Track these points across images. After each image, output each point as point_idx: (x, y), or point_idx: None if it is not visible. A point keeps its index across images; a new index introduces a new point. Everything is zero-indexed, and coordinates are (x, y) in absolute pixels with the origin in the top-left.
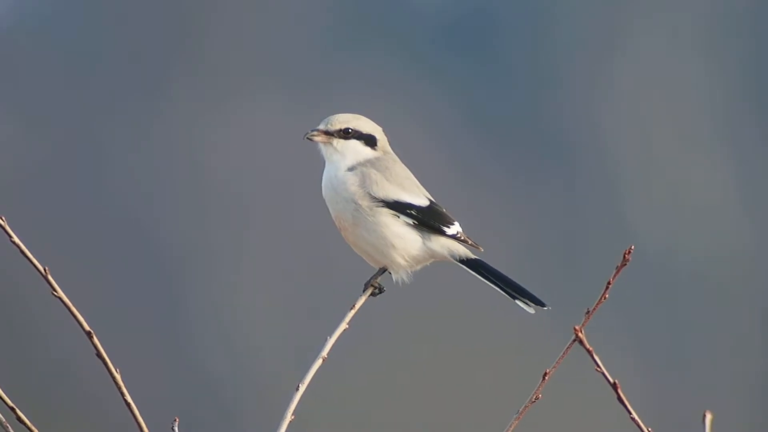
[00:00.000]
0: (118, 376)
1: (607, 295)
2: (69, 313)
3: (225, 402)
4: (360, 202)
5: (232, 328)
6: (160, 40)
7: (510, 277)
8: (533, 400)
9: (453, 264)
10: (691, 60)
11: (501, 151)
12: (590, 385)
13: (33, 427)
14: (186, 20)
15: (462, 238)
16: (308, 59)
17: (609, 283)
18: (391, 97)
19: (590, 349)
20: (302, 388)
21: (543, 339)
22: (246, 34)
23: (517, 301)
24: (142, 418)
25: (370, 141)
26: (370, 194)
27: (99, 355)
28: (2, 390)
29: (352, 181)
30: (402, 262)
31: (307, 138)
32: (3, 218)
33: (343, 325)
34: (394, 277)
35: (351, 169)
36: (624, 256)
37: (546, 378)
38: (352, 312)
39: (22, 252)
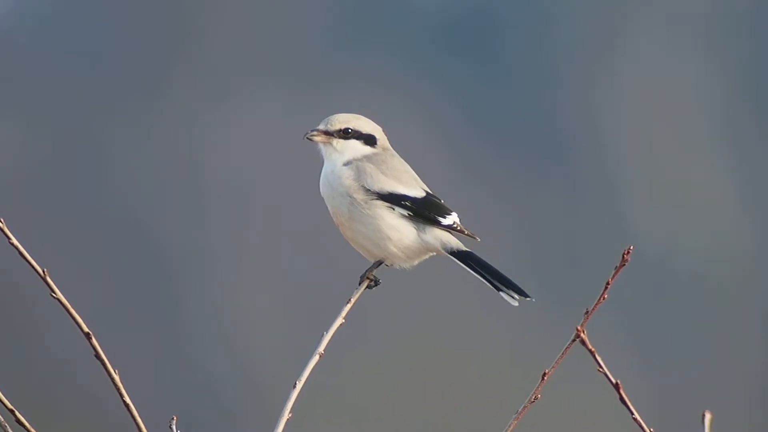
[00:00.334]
0: (116, 377)
1: (606, 295)
2: (68, 314)
3: (225, 402)
4: (355, 195)
5: (232, 328)
6: (160, 40)
7: (499, 270)
8: (532, 400)
9: (444, 255)
10: (691, 60)
11: (501, 151)
12: (589, 385)
13: (32, 429)
14: (186, 20)
15: (458, 228)
16: (308, 59)
17: (608, 283)
18: (391, 97)
19: (592, 349)
20: (299, 385)
21: (542, 338)
22: (246, 34)
23: (502, 293)
24: (142, 418)
25: (369, 141)
26: (365, 187)
27: (98, 356)
28: (1, 392)
29: (347, 175)
30: (398, 253)
31: (307, 138)
32: (2, 219)
33: (340, 320)
34: (395, 266)
35: (347, 164)
36: (623, 256)
37: (545, 378)
38: (348, 306)
39: (21, 254)
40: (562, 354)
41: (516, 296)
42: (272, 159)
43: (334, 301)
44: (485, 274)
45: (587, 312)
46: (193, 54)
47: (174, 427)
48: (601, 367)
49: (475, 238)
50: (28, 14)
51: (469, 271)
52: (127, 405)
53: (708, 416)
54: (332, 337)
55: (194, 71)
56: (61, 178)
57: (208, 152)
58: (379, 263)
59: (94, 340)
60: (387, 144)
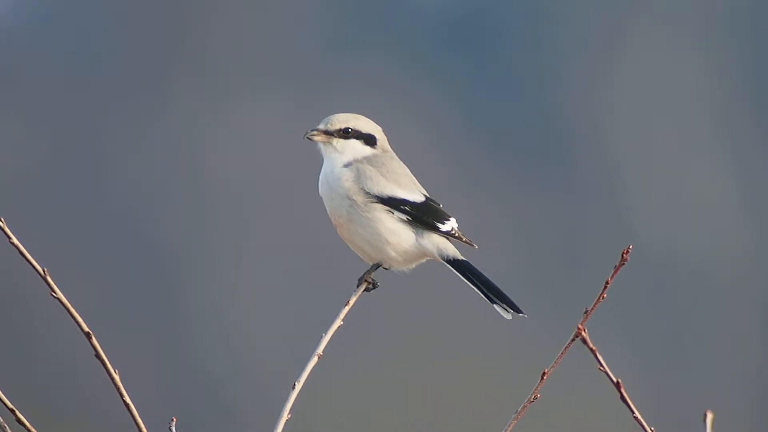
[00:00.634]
0: (116, 377)
1: (605, 295)
2: (68, 313)
3: (224, 402)
4: (354, 197)
5: (232, 328)
6: (160, 40)
7: (494, 282)
8: (532, 399)
9: (440, 262)
10: (690, 60)
11: (500, 151)
12: (590, 385)
13: (32, 429)
14: (186, 20)
15: (456, 234)
16: (308, 59)
17: (607, 282)
18: (391, 97)
19: (593, 348)
20: (298, 386)
21: (542, 338)
22: (246, 34)
23: (495, 306)
24: (142, 418)
25: (369, 140)
26: (365, 190)
27: (98, 355)
28: (1, 391)
29: (346, 177)
30: (396, 257)
31: (307, 138)
32: (2, 219)
33: (338, 322)
34: (394, 269)
35: (347, 165)
36: (622, 256)
37: (545, 377)
38: (347, 308)
39: (21, 253)
40: (562, 353)
41: (510, 310)
42: (272, 159)
43: (333, 302)
44: (480, 286)
45: (587, 311)
46: (193, 54)
47: (174, 428)
48: (601, 365)
49: (473, 245)
50: (28, 14)
51: (464, 281)
52: (127, 405)
53: (710, 416)
54: (331, 338)
55: (194, 71)
56: (61, 178)
57: (208, 152)
58: (377, 266)
59: (94, 340)
60: (387, 145)
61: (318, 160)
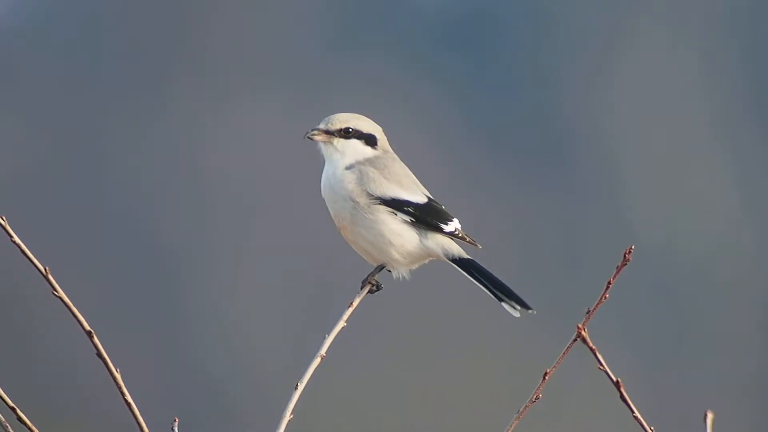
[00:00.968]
0: (118, 376)
1: (607, 295)
2: (69, 312)
3: (225, 402)
4: (358, 200)
5: (232, 328)
6: (160, 40)
7: (500, 279)
8: (534, 399)
9: (445, 262)
10: (691, 60)
11: (500, 151)
12: (590, 385)
13: (33, 427)
14: (186, 20)
15: (460, 235)
16: (308, 59)
17: (609, 282)
18: (390, 97)
19: (593, 347)
20: (301, 387)
21: (544, 338)
22: (246, 34)
23: (503, 304)
24: (143, 417)
25: (370, 140)
26: (368, 192)
27: (99, 354)
28: (3, 390)
29: (349, 180)
30: (400, 259)
31: (308, 137)
32: (3, 218)
33: (341, 323)
34: (394, 274)
35: (349, 167)
36: (624, 256)
37: (546, 377)
38: (350, 310)
39: (23, 252)
40: (564, 353)
41: (518, 307)
42: (272, 159)
43: (334, 301)
44: (487, 284)
45: (588, 311)
46: (194, 54)
47: (176, 429)
48: (602, 365)
49: (476, 245)
50: (28, 14)
51: (471, 280)
52: (128, 404)
53: (710, 416)
54: (334, 339)
55: (194, 71)
56: (61, 178)
57: (208, 152)
58: (381, 268)
59: (95, 339)
60: (387, 145)
61: (318, 160)
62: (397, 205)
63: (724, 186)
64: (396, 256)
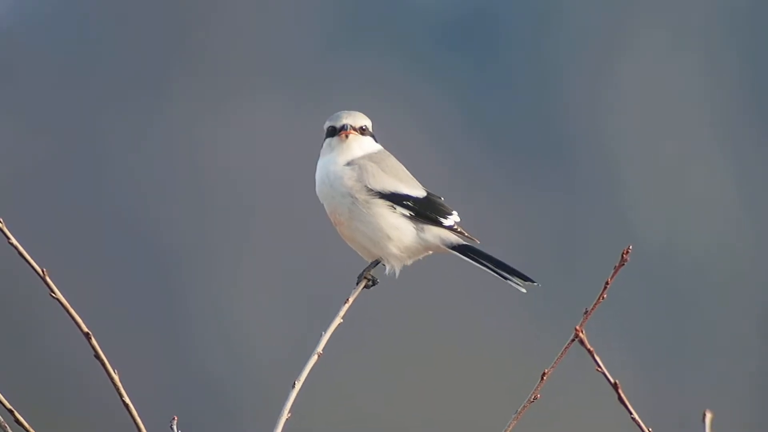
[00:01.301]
0: (116, 377)
1: (605, 295)
2: (67, 314)
3: (224, 402)
4: (357, 195)
5: (232, 328)
6: (160, 40)
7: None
8: (532, 399)
9: (445, 252)
10: (691, 60)
11: (500, 151)
12: (589, 385)
13: (31, 429)
14: (186, 20)
15: (459, 230)
16: (308, 59)
17: (607, 282)
18: (390, 97)
19: (591, 349)
20: (298, 385)
21: (542, 338)
22: (246, 34)
23: (509, 282)
24: (141, 418)
25: (374, 137)
26: (367, 187)
27: (97, 356)
28: (0, 391)
29: (349, 176)
30: (398, 253)
31: (345, 135)
32: (1, 220)
33: (338, 320)
34: (387, 268)
35: (348, 164)
36: (622, 256)
37: (545, 378)
38: (346, 306)
39: (20, 254)
40: (562, 354)
41: (522, 283)
42: (272, 159)
43: (334, 301)
44: (489, 265)
45: (587, 312)
46: (193, 54)
47: (174, 427)
48: (599, 367)
49: (474, 240)
50: (28, 14)
51: (473, 264)
52: (126, 405)
53: (709, 416)
54: (331, 336)
55: (194, 71)
56: (61, 178)
57: (208, 152)
58: (376, 263)
59: (93, 340)
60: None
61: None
62: (396, 199)
63: (724, 186)
64: (394, 250)
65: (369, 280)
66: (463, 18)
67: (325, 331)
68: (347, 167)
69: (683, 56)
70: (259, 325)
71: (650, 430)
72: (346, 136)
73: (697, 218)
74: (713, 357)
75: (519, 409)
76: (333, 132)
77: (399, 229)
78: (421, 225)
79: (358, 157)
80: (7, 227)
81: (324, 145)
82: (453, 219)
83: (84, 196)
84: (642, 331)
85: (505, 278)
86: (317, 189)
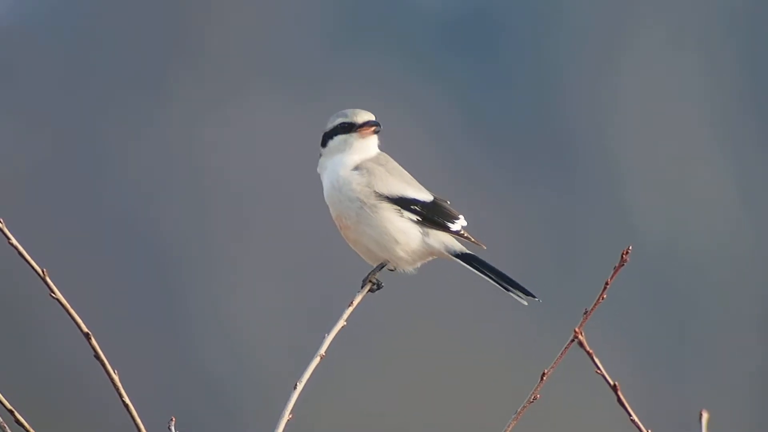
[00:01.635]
0: (116, 377)
1: (605, 296)
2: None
3: (225, 402)
4: (365, 200)
5: (232, 329)
6: (160, 40)
7: (502, 271)
8: (531, 400)
9: (448, 259)
10: (691, 59)
11: (500, 151)
12: (588, 386)
13: (31, 430)
14: (186, 20)
15: (465, 235)
16: (308, 59)
17: (607, 283)
18: (390, 97)
19: (590, 351)
20: (300, 386)
21: (541, 339)
22: (246, 34)
23: (511, 293)
24: (142, 418)
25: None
26: (375, 191)
27: (97, 356)
28: (1, 392)
29: (357, 181)
30: (405, 257)
31: (375, 131)
32: (1, 220)
33: (341, 322)
34: (397, 269)
35: (356, 168)
36: (622, 257)
37: (544, 378)
38: (350, 309)
39: (20, 254)
40: (561, 354)
41: (523, 296)
42: (272, 158)
43: (334, 301)
44: (492, 276)
45: (586, 312)
46: (193, 54)
47: (173, 427)
48: (599, 368)
49: (481, 245)
50: (28, 14)
51: (476, 273)
52: (126, 405)
53: (705, 415)
54: (333, 338)
55: (194, 71)
56: (61, 178)
57: (207, 152)
58: (381, 266)
59: (93, 341)
60: None
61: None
62: (403, 203)
63: (724, 186)
64: (401, 254)
65: (374, 283)
66: (463, 18)
67: (328, 333)
68: (355, 172)
69: (683, 56)
70: (259, 326)
71: (649, 431)
72: (375, 132)
73: (698, 218)
74: (713, 357)
75: (519, 410)
76: (349, 128)
77: (406, 234)
78: (426, 230)
79: (365, 160)
80: (7, 227)
81: (332, 143)
82: (460, 224)
83: (84, 196)
84: (642, 332)
85: (507, 290)
86: (325, 193)
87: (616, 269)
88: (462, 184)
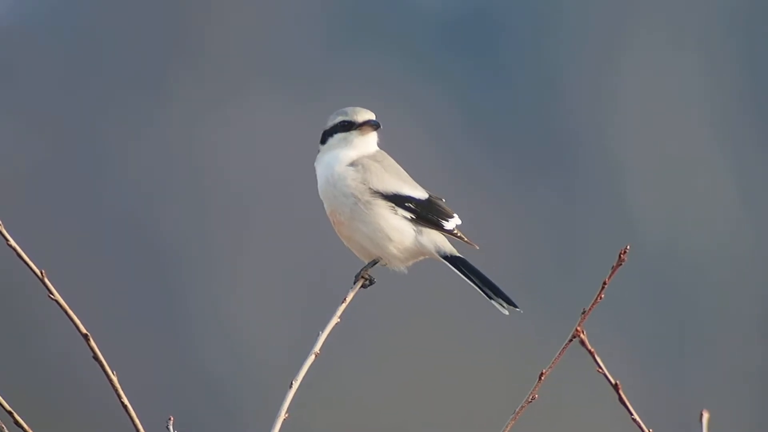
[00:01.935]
0: (115, 379)
1: (603, 295)
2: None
3: (223, 401)
4: (360, 196)
5: (232, 328)
6: (160, 40)
7: (489, 278)
8: (530, 400)
9: (437, 260)
10: (691, 60)
11: (500, 151)
12: (588, 386)
13: (30, 431)
14: (186, 20)
15: (458, 234)
16: (308, 59)
17: (605, 283)
18: (390, 97)
19: (592, 350)
20: (295, 384)
21: (540, 339)
22: (246, 34)
23: (493, 302)
24: (141, 418)
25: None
26: (370, 188)
27: (96, 357)
28: (0, 393)
29: (352, 176)
30: (398, 254)
31: (375, 127)
32: (0, 222)
33: (335, 319)
34: (390, 268)
35: (352, 164)
36: (620, 256)
37: (542, 378)
38: (344, 305)
39: (19, 255)
40: (560, 354)
41: (506, 305)
42: (272, 158)
43: (333, 301)
44: (477, 282)
45: (584, 312)
46: (193, 54)
47: (171, 427)
48: (600, 368)
49: (473, 245)
50: (28, 14)
51: (461, 278)
52: (125, 406)
53: (706, 415)
54: (328, 336)
55: (194, 71)
56: (61, 178)
57: (207, 152)
58: (374, 262)
59: (92, 342)
60: None
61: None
62: (398, 200)
63: (724, 186)
64: (394, 251)
65: (366, 279)
66: (463, 18)
67: (322, 331)
68: (350, 168)
69: (683, 56)
70: (258, 325)
71: (650, 431)
72: (374, 129)
73: (698, 218)
74: (713, 357)
75: (517, 410)
76: (349, 127)
77: (400, 231)
78: (420, 228)
79: (361, 157)
80: (7, 227)
81: (332, 140)
82: (454, 222)
83: (84, 196)
84: (642, 332)
85: (490, 298)
86: (320, 188)
87: (614, 269)
88: (462, 184)
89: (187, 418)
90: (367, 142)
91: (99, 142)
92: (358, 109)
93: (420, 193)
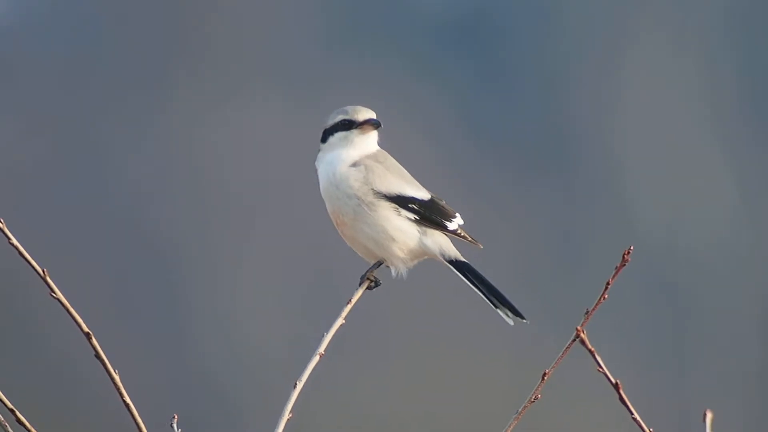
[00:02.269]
0: (116, 377)
1: (606, 296)
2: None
3: (225, 401)
4: (363, 198)
5: (232, 328)
6: (160, 40)
7: (495, 285)
8: (532, 400)
9: (442, 263)
10: (692, 61)
11: (500, 151)
12: (589, 385)
13: (32, 429)
14: (186, 20)
15: (462, 234)
16: (308, 59)
17: (608, 283)
18: (390, 98)
19: (592, 349)
20: (300, 385)
21: (543, 338)
22: (246, 35)
23: (498, 311)
24: (142, 417)
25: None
26: (373, 189)
27: (98, 356)
28: (2, 391)
29: (355, 177)
30: (401, 255)
31: (375, 126)
32: (2, 220)
33: (340, 320)
34: (393, 272)
35: (354, 165)
36: (623, 257)
37: (545, 378)
38: (349, 306)
39: (21, 254)
40: (563, 354)
41: (511, 315)
42: (272, 158)
43: (334, 301)
44: (482, 289)
45: (588, 312)
46: (193, 54)
47: (175, 426)
48: (601, 367)
49: (477, 244)
50: (28, 14)
51: (467, 284)
52: (127, 405)
53: (709, 415)
54: (333, 337)
55: (194, 71)
56: (61, 178)
57: (208, 152)
58: (379, 264)
59: (94, 340)
60: None
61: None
62: (401, 201)
63: (724, 186)
64: (398, 252)
65: (372, 281)
66: (463, 18)
67: (327, 332)
68: (353, 168)
69: (684, 57)
70: (259, 325)
71: (651, 430)
72: (375, 128)
73: (698, 218)
74: (713, 357)
75: (520, 410)
76: (349, 125)
77: (403, 232)
78: (424, 229)
79: (363, 157)
80: (7, 227)
81: (332, 139)
82: (457, 222)
83: (84, 196)
84: (642, 331)
85: (495, 306)
86: (322, 188)
87: (617, 269)
88: (462, 184)
89: (187, 418)
90: (368, 141)
91: (99, 142)
92: (358, 107)
93: (423, 194)
